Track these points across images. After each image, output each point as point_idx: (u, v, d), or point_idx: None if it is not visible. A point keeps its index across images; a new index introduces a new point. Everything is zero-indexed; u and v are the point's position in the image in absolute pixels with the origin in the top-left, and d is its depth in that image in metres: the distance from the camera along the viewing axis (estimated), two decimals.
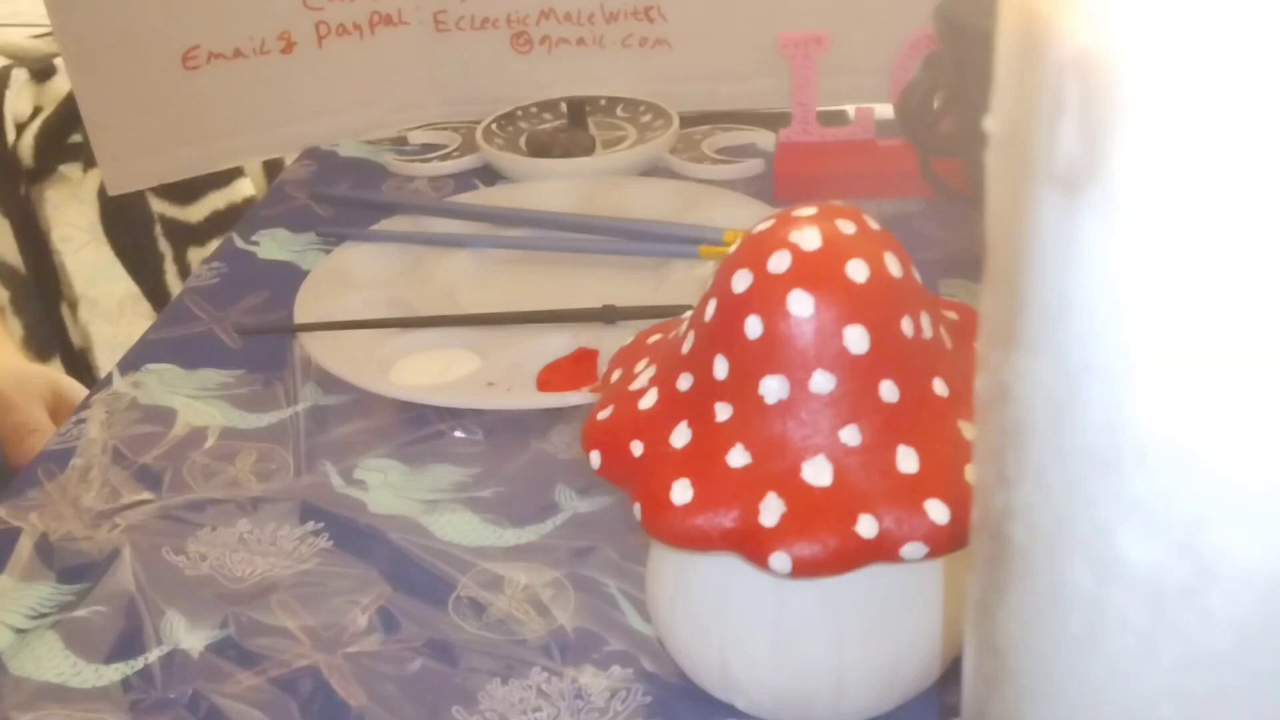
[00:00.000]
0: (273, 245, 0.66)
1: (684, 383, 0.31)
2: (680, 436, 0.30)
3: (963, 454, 0.29)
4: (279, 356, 0.55)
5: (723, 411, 0.30)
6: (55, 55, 0.78)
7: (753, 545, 0.28)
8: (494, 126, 0.73)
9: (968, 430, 0.30)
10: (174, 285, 1.19)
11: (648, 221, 0.61)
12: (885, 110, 0.65)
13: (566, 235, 0.61)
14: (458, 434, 0.48)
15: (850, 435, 0.29)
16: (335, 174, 0.74)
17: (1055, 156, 0.15)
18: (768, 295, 0.29)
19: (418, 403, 0.49)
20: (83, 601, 0.41)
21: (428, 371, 0.51)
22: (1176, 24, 0.13)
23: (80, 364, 1.24)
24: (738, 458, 0.29)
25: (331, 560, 0.42)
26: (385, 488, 0.46)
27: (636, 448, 0.31)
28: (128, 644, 0.39)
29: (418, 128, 0.77)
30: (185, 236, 1.15)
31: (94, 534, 0.45)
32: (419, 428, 0.49)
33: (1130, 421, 0.15)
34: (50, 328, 1.20)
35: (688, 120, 0.73)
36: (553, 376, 0.50)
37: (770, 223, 0.31)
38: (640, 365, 0.34)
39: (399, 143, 0.77)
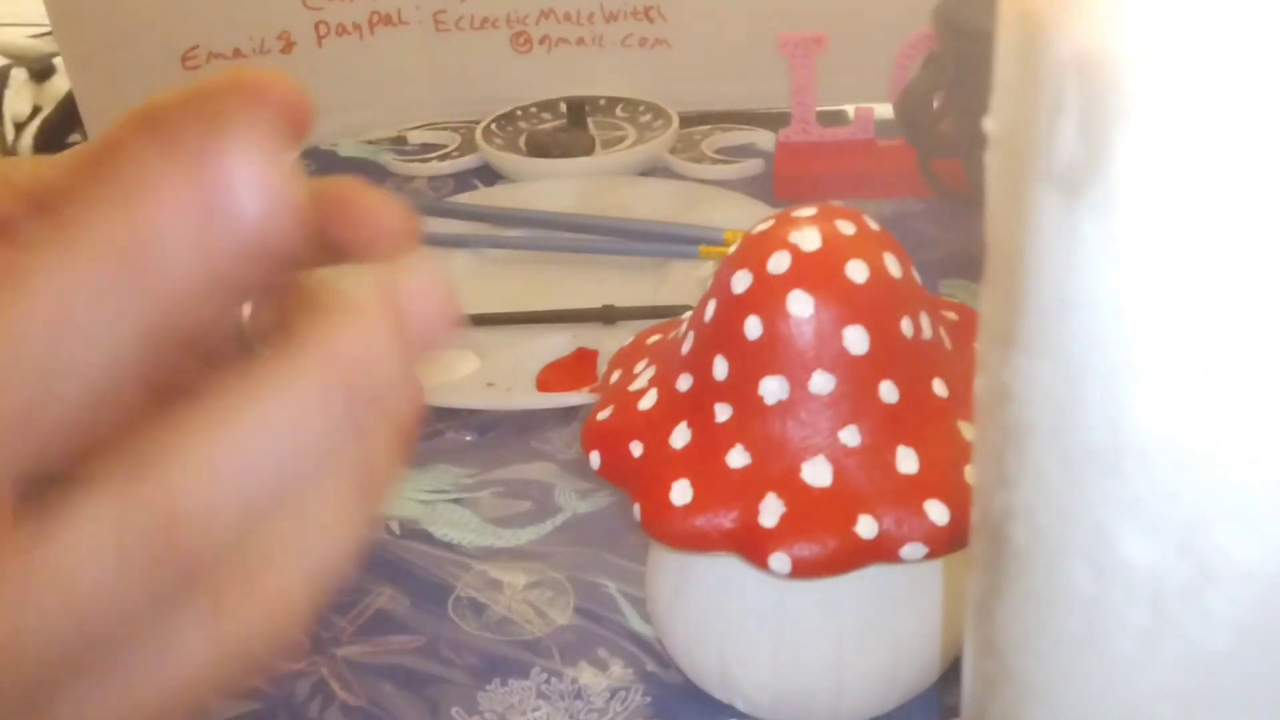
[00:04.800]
0: None
1: (684, 383, 0.31)
2: (680, 437, 0.30)
3: (962, 454, 0.29)
4: None
5: (722, 412, 0.30)
6: (55, 55, 0.78)
7: (752, 546, 0.28)
8: (493, 126, 0.73)
9: (968, 430, 0.30)
10: None
11: (648, 221, 0.60)
12: (885, 110, 0.65)
13: (566, 235, 0.61)
14: (468, 437, 0.48)
15: (850, 436, 0.29)
16: (335, 174, 0.74)
17: (1055, 157, 0.15)
18: (767, 296, 0.29)
19: None
20: None
21: (427, 371, 0.51)
22: (1176, 24, 0.13)
23: None
24: (737, 458, 0.29)
25: None
26: None
27: (636, 448, 0.31)
28: None
29: (417, 127, 0.77)
30: None
31: None
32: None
33: (1130, 421, 0.15)
34: None
35: (687, 120, 0.72)
36: (553, 377, 0.50)
37: (770, 223, 0.31)
38: (640, 366, 0.34)
39: (398, 143, 0.77)
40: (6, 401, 0.16)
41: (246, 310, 0.24)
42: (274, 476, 0.17)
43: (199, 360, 0.24)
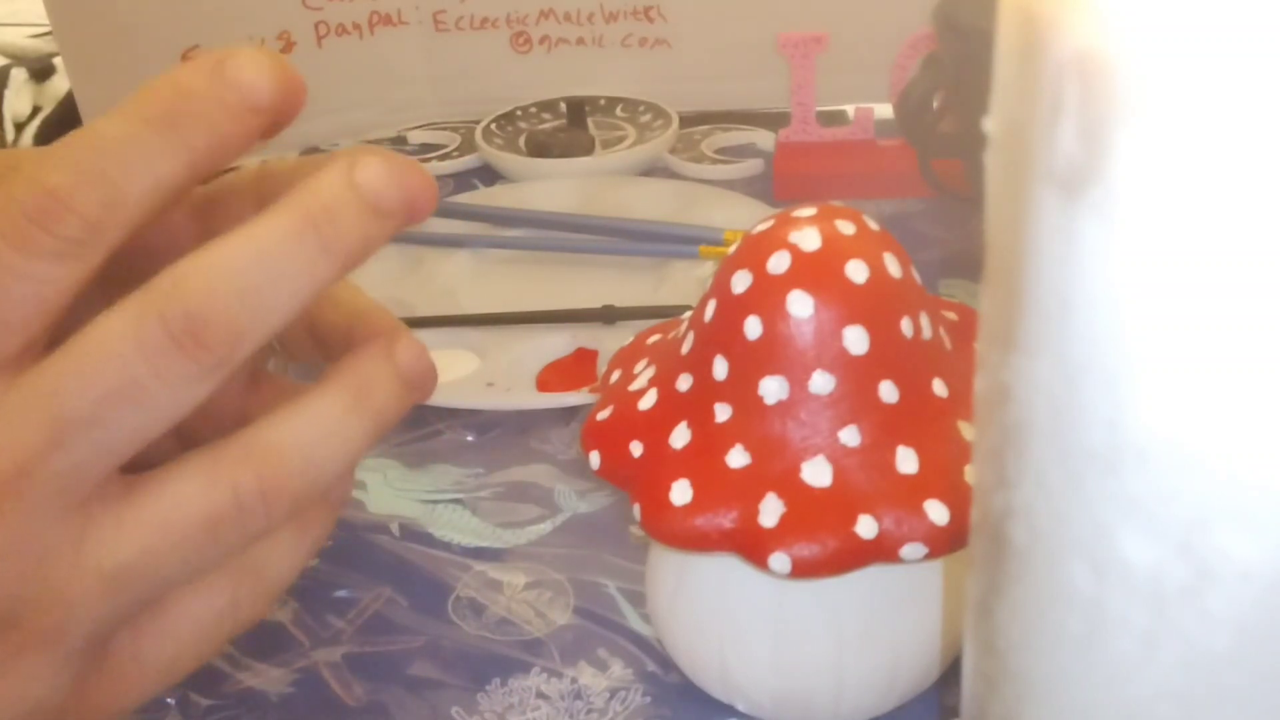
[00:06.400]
0: None
1: (683, 383, 0.31)
2: (680, 437, 0.30)
3: (963, 454, 0.29)
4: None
5: (722, 412, 0.30)
6: (55, 55, 0.77)
7: (752, 546, 0.28)
8: (493, 126, 0.73)
9: (967, 430, 0.30)
10: None
11: (648, 221, 0.60)
12: (885, 110, 0.65)
13: (566, 235, 0.61)
14: (468, 437, 0.48)
15: (850, 436, 0.29)
16: None
17: (1055, 157, 0.15)
18: (767, 296, 0.29)
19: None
20: None
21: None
22: (1176, 24, 0.13)
23: None
24: (737, 458, 0.29)
25: (331, 560, 0.42)
26: (384, 487, 0.46)
27: (636, 448, 0.31)
28: None
29: (417, 128, 0.77)
30: None
31: None
32: (418, 428, 0.49)
33: (1130, 421, 0.15)
34: None
35: (687, 120, 0.72)
36: (552, 377, 0.50)
37: (770, 223, 0.31)
38: (640, 366, 0.34)
39: (398, 143, 0.77)
40: None
41: None
42: (258, 268, 0.22)
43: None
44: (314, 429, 0.24)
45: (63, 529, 0.22)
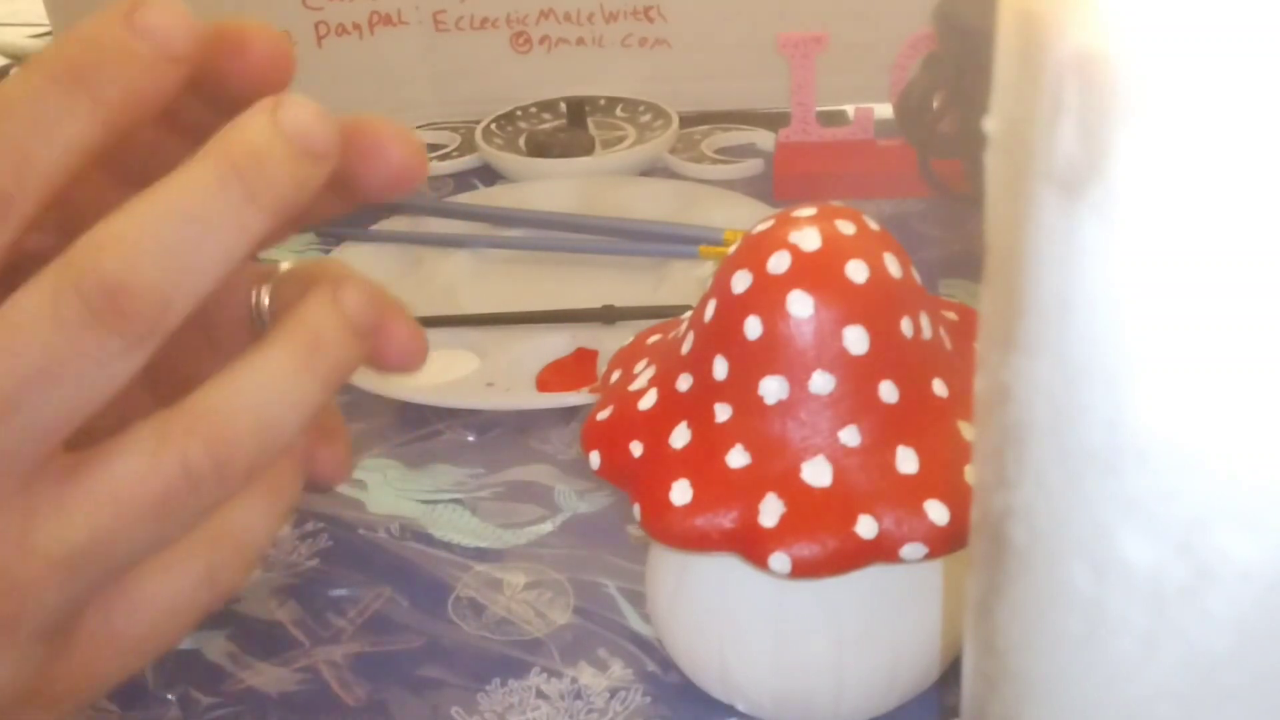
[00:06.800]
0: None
1: (683, 383, 0.31)
2: (680, 437, 0.30)
3: (963, 454, 0.29)
4: None
5: (722, 412, 0.30)
6: None
7: (752, 546, 0.28)
8: (493, 126, 0.73)
9: (968, 430, 0.30)
10: None
11: (647, 221, 0.60)
12: (885, 110, 0.65)
13: (566, 235, 0.61)
14: (468, 437, 0.48)
15: (850, 436, 0.29)
16: None
17: (1055, 157, 0.15)
18: (767, 296, 0.29)
19: (417, 403, 0.49)
20: None
21: (427, 371, 0.51)
22: (1176, 24, 0.13)
23: None
24: (737, 458, 0.29)
25: (331, 560, 0.42)
26: (385, 487, 0.46)
27: (636, 448, 0.31)
28: None
29: (417, 127, 0.77)
30: None
31: None
32: (418, 428, 0.49)
33: (1130, 421, 0.15)
34: None
35: (687, 120, 0.72)
36: (552, 377, 0.50)
37: (770, 223, 0.31)
38: (640, 366, 0.34)
39: None
40: None
41: (265, 296, 0.25)
42: (180, 227, 0.20)
43: (210, 346, 0.27)
44: (264, 389, 0.22)
45: (5, 516, 0.21)
